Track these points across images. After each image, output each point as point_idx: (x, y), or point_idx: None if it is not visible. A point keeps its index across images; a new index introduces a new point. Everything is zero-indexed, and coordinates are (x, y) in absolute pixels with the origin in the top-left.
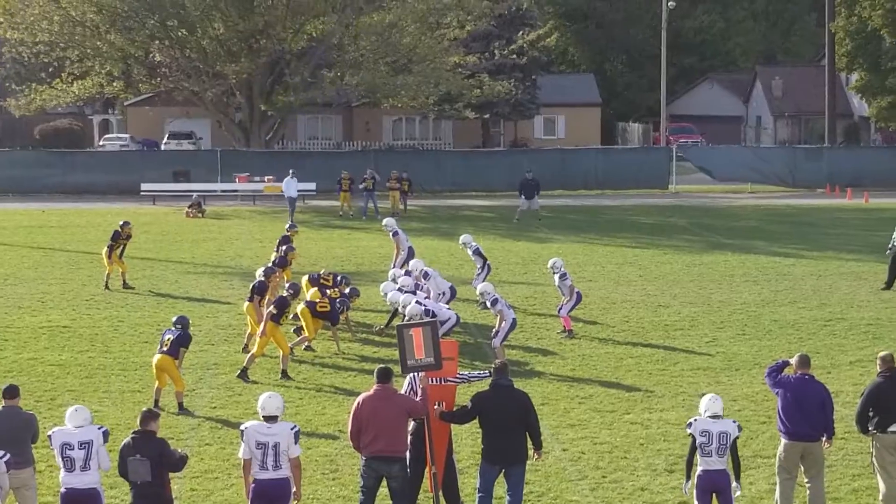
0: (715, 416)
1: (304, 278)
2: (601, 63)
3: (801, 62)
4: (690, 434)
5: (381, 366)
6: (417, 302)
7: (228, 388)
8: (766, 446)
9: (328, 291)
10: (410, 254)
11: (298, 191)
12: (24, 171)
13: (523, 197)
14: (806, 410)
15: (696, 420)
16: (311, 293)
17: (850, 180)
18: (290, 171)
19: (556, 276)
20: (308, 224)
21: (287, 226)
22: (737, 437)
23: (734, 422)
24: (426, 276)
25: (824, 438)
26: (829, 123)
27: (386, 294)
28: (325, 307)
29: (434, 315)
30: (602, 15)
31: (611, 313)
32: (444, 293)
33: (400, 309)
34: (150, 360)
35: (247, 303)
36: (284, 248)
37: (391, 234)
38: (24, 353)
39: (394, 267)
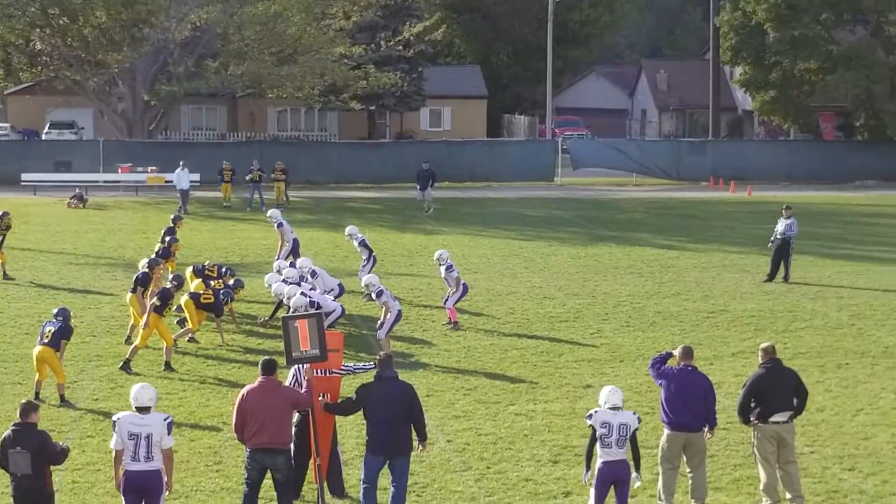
0: (615, 408)
1: (189, 269)
2: (487, 55)
3: (687, 56)
4: (591, 425)
5: (266, 357)
6: (303, 293)
7: (111, 380)
8: (649, 437)
9: (212, 283)
10: (295, 245)
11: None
12: None
13: (418, 187)
14: (688, 401)
15: (596, 411)
16: (195, 284)
17: (734, 173)
18: (181, 163)
19: (443, 268)
20: (193, 215)
21: (172, 216)
22: (636, 429)
23: (634, 413)
24: (314, 274)
25: (706, 429)
26: (713, 117)
27: (271, 285)
28: (209, 299)
29: (319, 307)
30: (488, 7)
31: (496, 305)
32: (332, 290)
33: (285, 300)
34: (30, 351)
35: (130, 294)
36: (168, 238)
37: (276, 225)
38: None
39: (278, 259)
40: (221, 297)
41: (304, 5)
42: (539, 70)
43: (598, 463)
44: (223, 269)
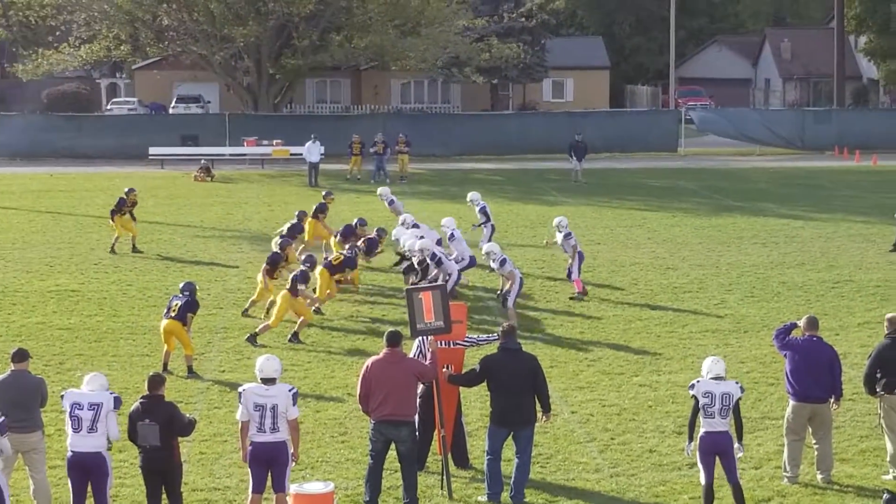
0: (717, 378)
1: (333, 238)
2: (609, 26)
3: (811, 25)
4: (693, 395)
5: (391, 329)
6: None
7: (237, 352)
8: (775, 408)
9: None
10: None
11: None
12: (32, 136)
13: (574, 159)
14: (814, 372)
15: (698, 382)
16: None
17: (859, 143)
18: (312, 136)
19: (560, 235)
20: (317, 188)
21: (324, 192)
22: (739, 399)
23: (737, 383)
24: (452, 237)
25: (832, 400)
26: (837, 86)
27: (398, 239)
28: (339, 259)
29: (440, 262)
30: None
31: (619, 276)
32: (463, 259)
33: (404, 249)
34: (158, 324)
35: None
36: (297, 213)
37: (387, 203)
38: (32, 318)
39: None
40: (351, 254)
41: None
42: (662, 40)
43: (700, 433)
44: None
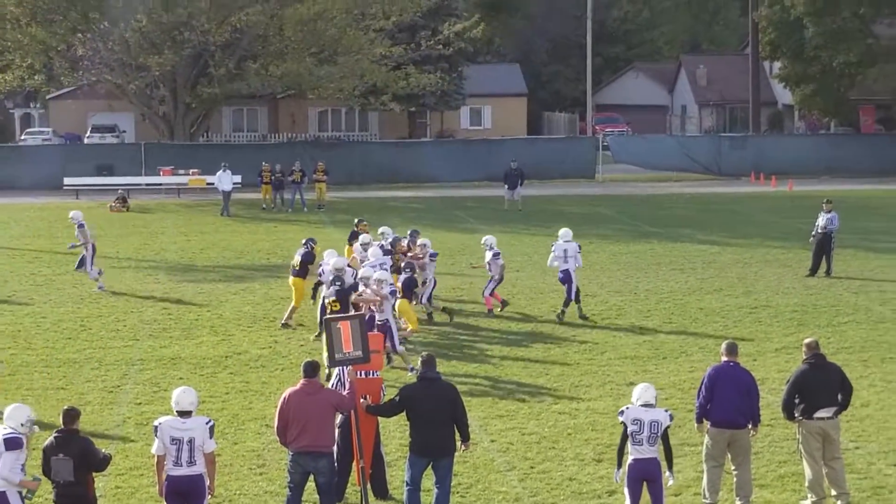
0: (647, 405)
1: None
2: (527, 53)
3: (726, 51)
4: (622, 422)
5: (308, 360)
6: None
7: (154, 384)
8: (694, 434)
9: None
10: None
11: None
12: None
13: (506, 187)
14: (732, 398)
15: (627, 408)
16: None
17: (775, 168)
18: (223, 165)
19: (490, 253)
20: (234, 217)
21: (356, 220)
22: (668, 427)
23: (666, 410)
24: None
25: (750, 426)
26: (753, 112)
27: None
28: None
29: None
30: (527, 5)
31: (538, 303)
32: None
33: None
34: (72, 356)
35: (292, 277)
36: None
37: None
38: None
39: None
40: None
41: (345, 6)
42: (579, 67)
43: (628, 460)
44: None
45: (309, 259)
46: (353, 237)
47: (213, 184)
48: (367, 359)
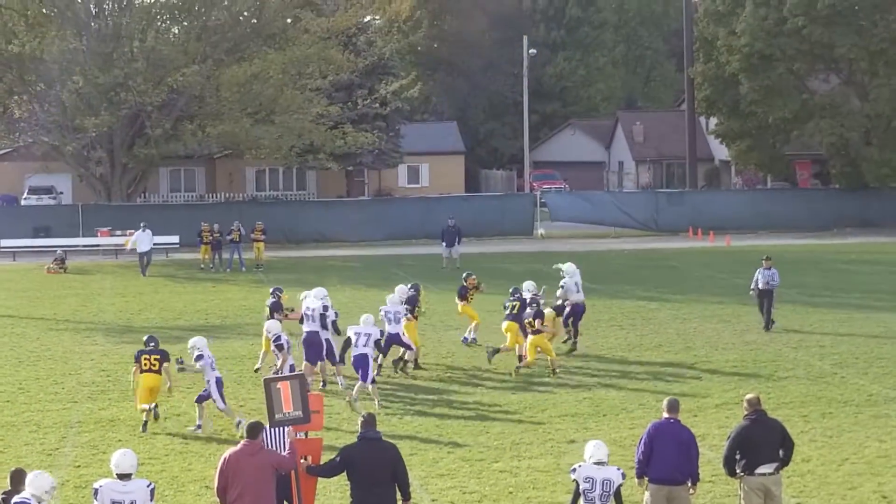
0: (599, 463)
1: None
2: (463, 111)
3: (662, 107)
4: (574, 480)
5: (251, 420)
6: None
7: (93, 447)
8: (634, 491)
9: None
10: None
11: (154, 244)
12: None
13: (444, 244)
14: (671, 455)
15: (580, 466)
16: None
17: (713, 223)
18: (142, 225)
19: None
20: (172, 277)
21: (464, 273)
22: (620, 485)
23: (618, 469)
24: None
25: (689, 482)
26: (690, 167)
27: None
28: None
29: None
30: (463, 63)
31: (476, 361)
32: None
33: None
34: (10, 419)
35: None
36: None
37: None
38: None
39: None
40: None
41: (281, 66)
42: (516, 124)
43: None
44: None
45: (276, 307)
46: (465, 292)
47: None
48: (308, 419)
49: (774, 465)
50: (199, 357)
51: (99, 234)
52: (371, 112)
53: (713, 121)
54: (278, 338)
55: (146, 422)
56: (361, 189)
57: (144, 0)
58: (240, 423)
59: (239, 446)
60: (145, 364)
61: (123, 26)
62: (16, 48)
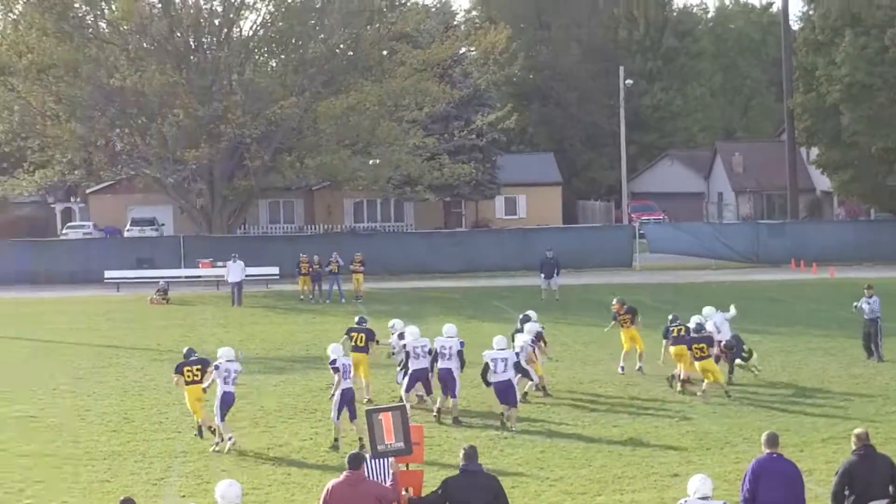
0: (704, 498)
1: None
2: (560, 142)
3: (761, 138)
4: None
5: (352, 451)
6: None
7: (197, 476)
8: None
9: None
10: None
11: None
12: None
13: (543, 276)
14: (777, 491)
15: (685, 501)
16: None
17: (815, 255)
18: (233, 255)
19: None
20: (272, 308)
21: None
22: None
23: (724, 502)
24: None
25: None
26: (791, 198)
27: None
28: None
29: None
30: (560, 94)
31: (578, 393)
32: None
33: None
34: (117, 448)
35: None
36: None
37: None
38: None
39: None
40: None
41: (378, 98)
42: (613, 155)
43: None
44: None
45: (371, 336)
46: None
47: (252, 276)
48: (410, 450)
49: (885, 501)
50: (216, 367)
51: (200, 266)
52: (468, 143)
53: (814, 151)
54: (334, 361)
55: (201, 427)
56: (459, 220)
57: (242, 34)
58: (231, 439)
59: (342, 477)
60: (188, 376)
61: (222, 60)
62: (117, 82)
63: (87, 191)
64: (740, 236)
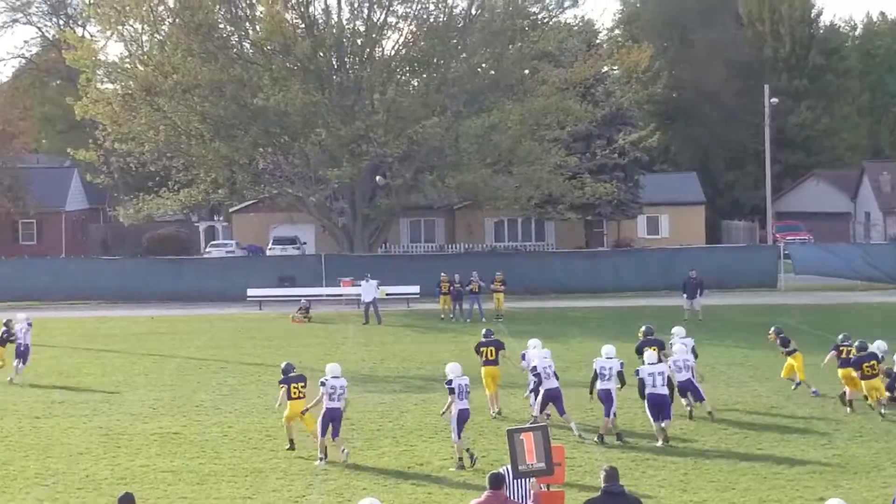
0: None
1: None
2: (703, 161)
3: None
4: None
5: (494, 471)
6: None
7: (338, 494)
8: None
9: None
10: None
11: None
12: (133, 279)
13: (685, 296)
14: None
15: None
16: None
17: None
18: (367, 275)
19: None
20: (413, 327)
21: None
22: None
23: None
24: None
25: None
26: None
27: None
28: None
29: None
30: (704, 113)
31: (722, 414)
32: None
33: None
34: (258, 465)
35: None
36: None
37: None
38: (136, 460)
39: None
40: None
41: (520, 117)
42: (757, 175)
43: None
44: None
45: (500, 346)
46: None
47: (393, 294)
48: (551, 471)
49: None
50: (322, 383)
51: (342, 284)
52: (609, 162)
53: None
54: (450, 381)
55: (292, 440)
56: (600, 240)
57: (385, 53)
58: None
59: (483, 497)
60: (294, 392)
61: (364, 79)
62: (261, 101)
63: (231, 209)
64: (889, 257)
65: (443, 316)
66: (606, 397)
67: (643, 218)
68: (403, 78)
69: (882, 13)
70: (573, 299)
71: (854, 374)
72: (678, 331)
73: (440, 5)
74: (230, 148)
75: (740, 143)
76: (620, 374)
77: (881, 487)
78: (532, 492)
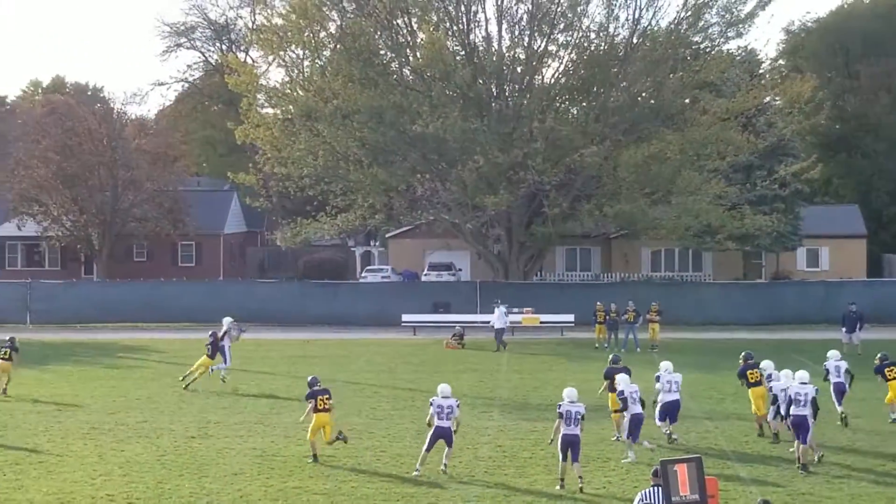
0: None
1: None
2: (866, 194)
3: None
4: None
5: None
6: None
7: None
8: None
9: None
10: None
11: (550, 322)
12: (289, 302)
13: (844, 329)
14: None
15: None
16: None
17: None
18: (496, 302)
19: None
20: (567, 356)
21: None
22: None
23: None
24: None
25: None
26: None
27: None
28: None
29: None
30: (867, 145)
31: (884, 447)
32: None
33: None
34: (410, 491)
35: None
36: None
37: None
38: (289, 482)
39: None
40: None
41: (680, 147)
42: None
43: None
44: None
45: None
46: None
47: (547, 322)
48: (705, 503)
49: None
50: (431, 403)
51: (524, 312)
52: (770, 194)
53: None
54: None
55: (315, 454)
56: (758, 271)
57: (544, 81)
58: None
59: None
60: (320, 404)
61: (523, 107)
62: (420, 128)
63: (387, 235)
64: None
65: (597, 345)
66: (801, 424)
67: (803, 250)
68: (563, 106)
69: None
70: (729, 331)
71: None
72: (833, 353)
73: (601, 34)
74: (388, 173)
75: None
76: (814, 402)
77: None
78: None
